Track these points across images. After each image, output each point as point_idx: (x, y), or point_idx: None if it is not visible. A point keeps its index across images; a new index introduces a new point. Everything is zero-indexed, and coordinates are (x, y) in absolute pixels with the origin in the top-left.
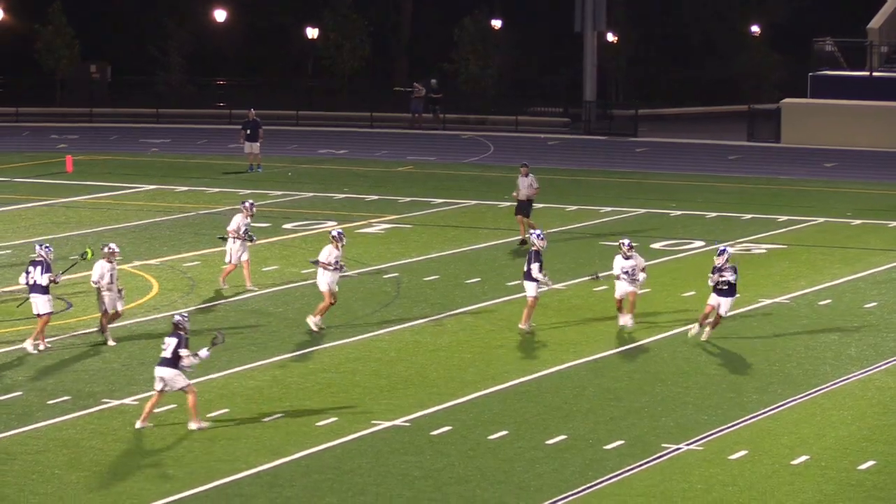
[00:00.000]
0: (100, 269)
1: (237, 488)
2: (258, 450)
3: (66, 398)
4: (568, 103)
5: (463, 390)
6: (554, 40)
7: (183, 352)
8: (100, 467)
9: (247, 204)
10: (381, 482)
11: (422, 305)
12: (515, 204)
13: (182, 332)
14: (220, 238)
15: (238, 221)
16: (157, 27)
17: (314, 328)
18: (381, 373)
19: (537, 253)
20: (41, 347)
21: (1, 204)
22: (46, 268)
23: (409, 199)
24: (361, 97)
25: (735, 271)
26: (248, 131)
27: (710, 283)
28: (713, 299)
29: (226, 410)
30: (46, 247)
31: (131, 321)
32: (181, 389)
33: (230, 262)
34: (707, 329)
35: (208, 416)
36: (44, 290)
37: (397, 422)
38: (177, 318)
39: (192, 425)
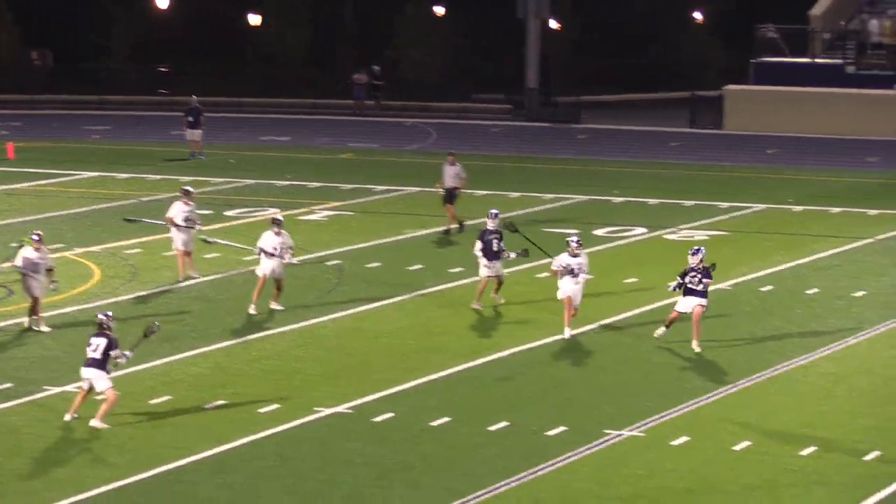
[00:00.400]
0: (24, 256)
1: (180, 475)
2: (201, 437)
3: (7, 385)
4: (511, 90)
5: (405, 377)
6: (497, 27)
7: (114, 353)
8: (41, 454)
9: (190, 189)
10: (324, 469)
11: (364, 292)
12: (443, 193)
13: (109, 332)
14: (126, 220)
15: (178, 208)
16: (100, 13)
17: (254, 312)
18: (324, 360)
19: (483, 232)
20: None
21: None
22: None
23: (351, 186)
24: (304, 84)
25: (709, 275)
26: (191, 118)
27: (673, 288)
28: (683, 304)
29: (168, 398)
30: None
31: (73, 308)
32: (101, 391)
33: (179, 248)
34: (694, 342)
35: (150, 402)
36: None
37: (340, 409)
38: (100, 317)
39: (95, 423)
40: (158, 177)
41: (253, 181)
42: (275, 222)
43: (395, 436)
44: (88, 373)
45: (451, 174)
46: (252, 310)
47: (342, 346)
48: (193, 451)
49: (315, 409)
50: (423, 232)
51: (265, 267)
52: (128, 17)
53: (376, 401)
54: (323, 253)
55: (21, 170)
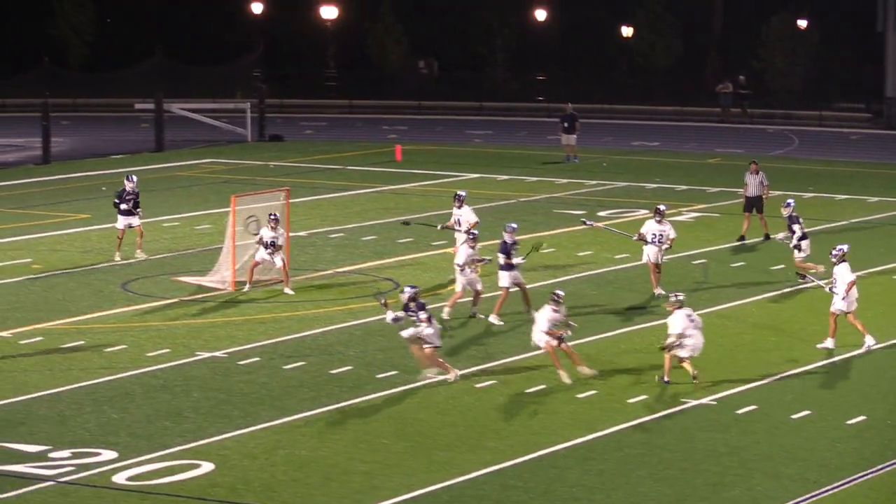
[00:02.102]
0: (465, 253)
1: (553, 460)
2: (573, 424)
3: (393, 372)
4: (870, 99)
5: (767, 371)
6: (858, 39)
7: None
8: (424, 438)
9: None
10: (689, 457)
11: (728, 291)
12: (743, 200)
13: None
14: (403, 223)
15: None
16: (482, 24)
17: (658, 292)
18: None
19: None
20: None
21: (335, 190)
22: (503, 247)
23: (717, 189)
24: (673, 92)
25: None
26: (566, 124)
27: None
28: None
29: (543, 386)
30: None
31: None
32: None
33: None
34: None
35: (526, 391)
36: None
37: (704, 401)
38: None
39: (453, 377)
40: (535, 179)
41: (624, 183)
42: (657, 212)
43: (757, 427)
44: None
45: (754, 182)
46: (657, 291)
47: (708, 340)
48: (566, 437)
49: (681, 400)
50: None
51: (646, 252)
52: (508, 28)
53: (739, 393)
54: (690, 252)
55: (407, 171)
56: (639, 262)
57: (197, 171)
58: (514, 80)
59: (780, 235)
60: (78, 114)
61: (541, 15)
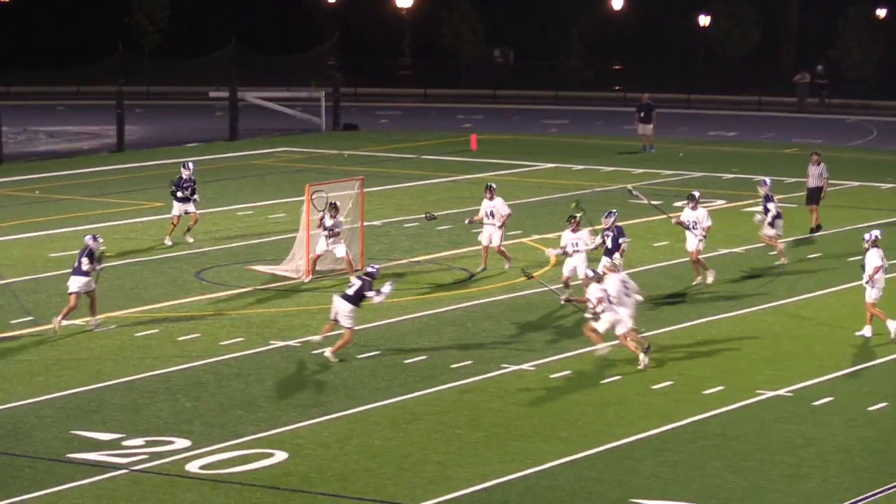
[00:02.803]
0: (566, 238)
1: (627, 451)
2: (647, 415)
3: (468, 362)
4: None
5: (843, 363)
6: None
7: (369, 294)
8: (499, 428)
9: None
10: (765, 449)
11: (805, 282)
12: (805, 193)
13: (369, 279)
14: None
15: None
16: (557, 14)
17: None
18: (766, 345)
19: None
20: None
21: (410, 179)
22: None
23: (794, 179)
24: (750, 82)
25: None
26: (642, 114)
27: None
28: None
29: (617, 378)
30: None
31: (530, 291)
32: (345, 328)
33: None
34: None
35: (601, 382)
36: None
37: (781, 392)
38: (370, 269)
39: (329, 354)
40: (610, 168)
41: (700, 174)
42: (690, 198)
43: (833, 419)
44: (339, 304)
45: (814, 174)
46: (697, 281)
47: (784, 332)
48: (640, 428)
49: (757, 391)
50: (862, 225)
51: (689, 244)
52: (584, 17)
53: (816, 385)
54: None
55: (482, 160)
56: (713, 254)
57: (271, 160)
58: (588, 69)
59: (758, 217)
60: (152, 102)
61: (617, 3)
